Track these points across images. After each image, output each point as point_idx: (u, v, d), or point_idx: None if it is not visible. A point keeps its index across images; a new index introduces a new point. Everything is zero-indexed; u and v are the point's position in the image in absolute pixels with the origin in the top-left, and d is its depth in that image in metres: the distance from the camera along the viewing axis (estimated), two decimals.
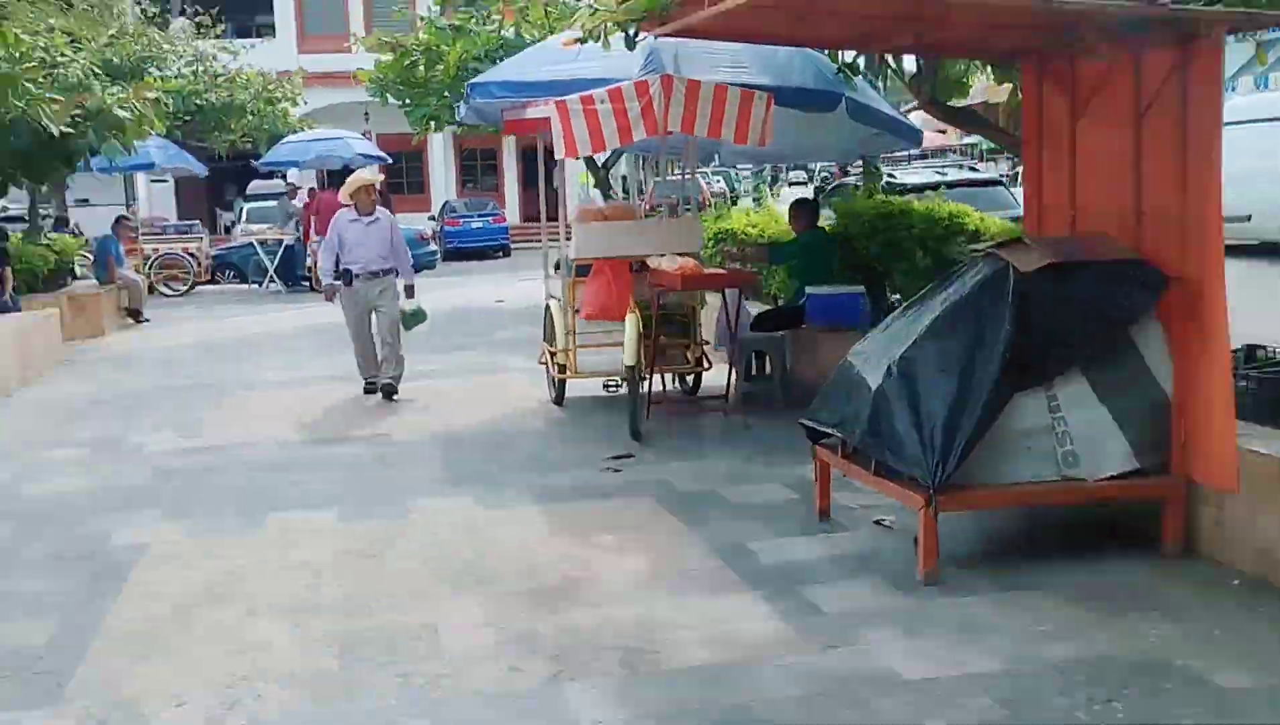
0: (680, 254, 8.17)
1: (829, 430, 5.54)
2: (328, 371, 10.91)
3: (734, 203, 37.16)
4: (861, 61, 8.06)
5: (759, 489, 6.46)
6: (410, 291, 9.81)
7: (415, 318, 9.80)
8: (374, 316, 9.67)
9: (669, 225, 8.77)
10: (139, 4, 26.28)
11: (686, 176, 9.80)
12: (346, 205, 9.82)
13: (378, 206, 9.73)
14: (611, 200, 11.11)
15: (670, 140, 8.38)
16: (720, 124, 7.69)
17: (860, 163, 12.62)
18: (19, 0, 18.70)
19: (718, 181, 34.45)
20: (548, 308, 9.34)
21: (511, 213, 34.29)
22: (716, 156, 12.16)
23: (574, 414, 8.83)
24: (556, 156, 7.99)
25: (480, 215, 30.31)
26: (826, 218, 10.43)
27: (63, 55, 17.05)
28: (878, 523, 5.66)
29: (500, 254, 29.50)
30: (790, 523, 5.79)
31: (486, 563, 5.34)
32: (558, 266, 9.34)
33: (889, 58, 7.93)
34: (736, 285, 8.40)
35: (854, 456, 5.36)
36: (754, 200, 13.28)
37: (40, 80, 14.63)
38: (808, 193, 39.93)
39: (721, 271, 8.55)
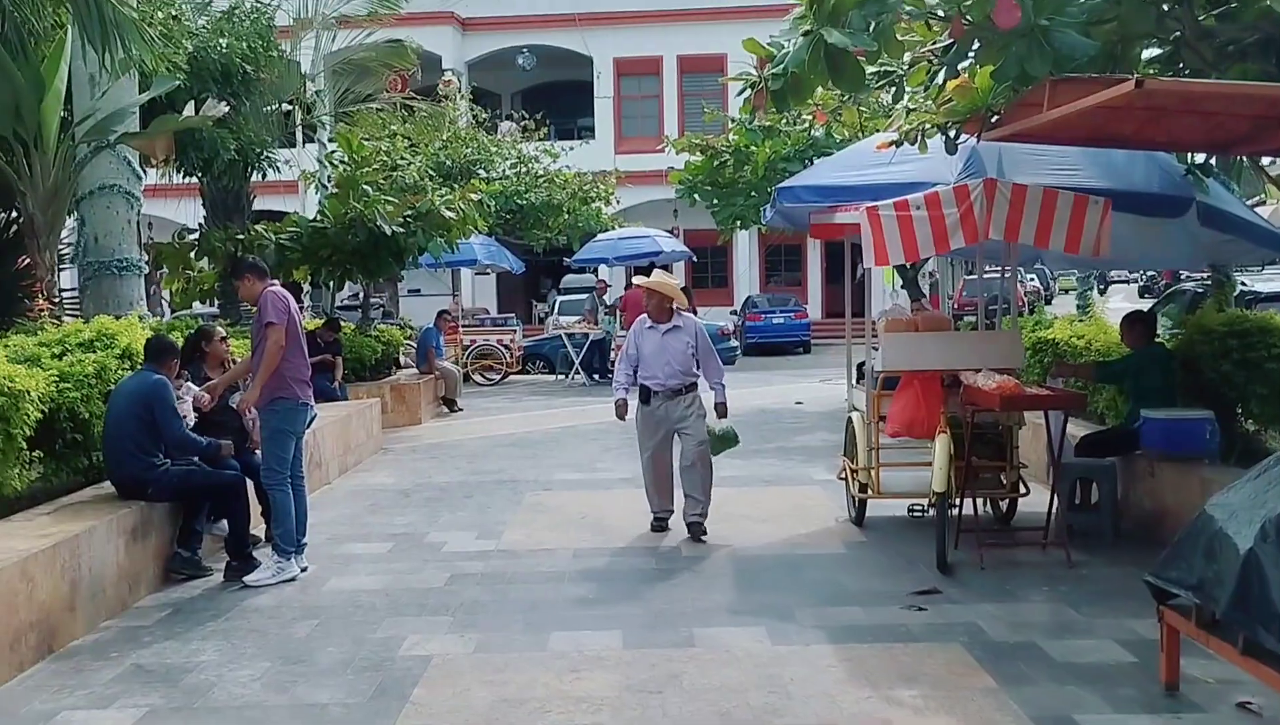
0: (998, 370, 7.53)
1: (1181, 592, 4.75)
2: (623, 473, 10.84)
3: (1048, 302, 35.46)
4: (1214, 160, 7.23)
5: (1088, 645, 5.67)
6: (722, 410, 8.38)
7: (725, 441, 8.42)
8: (675, 440, 8.40)
9: (986, 338, 8.14)
10: (472, 110, 28.19)
11: (1005, 277, 9.13)
12: (621, 335, 9.40)
13: (677, 311, 8.41)
14: (921, 304, 10.52)
15: (988, 243, 7.80)
16: (1050, 231, 7.05)
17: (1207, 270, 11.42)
18: (367, 109, 20.44)
19: (1031, 279, 32.78)
20: (850, 420, 8.84)
21: (814, 308, 34.04)
22: (1041, 259, 11.37)
23: (875, 537, 8.25)
24: (865, 265, 7.59)
25: (782, 310, 30.19)
26: (1162, 326, 9.45)
27: (402, 158, 18.40)
28: (1242, 706, 4.78)
29: (801, 350, 29.18)
30: (1128, 693, 5.00)
31: (776, 712, 4.89)
32: (860, 375, 8.86)
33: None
34: (1064, 408, 7.62)
35: (1214, 626, 4.55)
36: (1078, 306, 12.28)
37: (380, 182, 15.79)
38: (1132, 293, 37.50)
39: (1046, 392, 7.79)
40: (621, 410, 8.59)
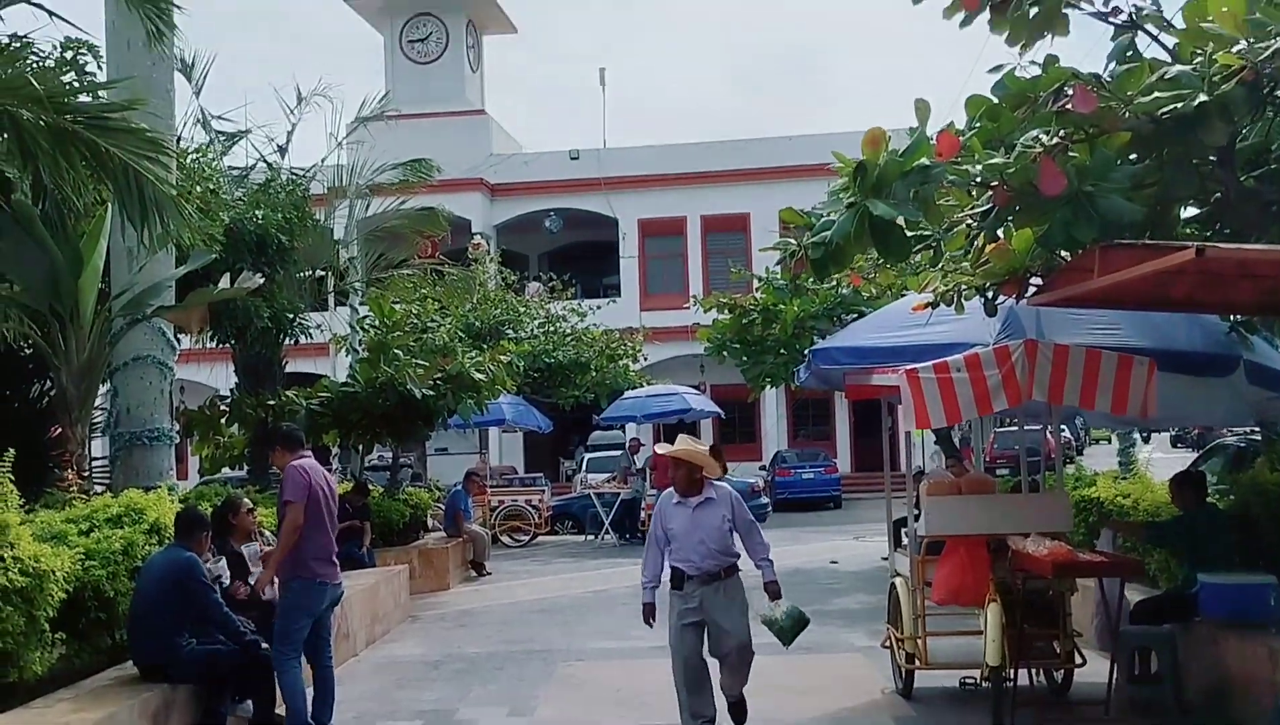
0: (1046, 533, 7.29)
1: None
2: (658, 640, 10.41)
3: (1079, 452, 34.99)
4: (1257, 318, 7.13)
5: None
6: (775, 590, 7.04)
7: (794, 626, 6.99)
8: (712, 635, 7.02)
9: (1032, 501, 7.94)
10: (501, 272, 28.64)
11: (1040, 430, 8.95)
12: (651, 495, 8.41)
13: (709, 481, 7.09)
14: (963, 466, 10.31)
15: (1029, 403, 7.65)
16: (1095, 393, 6.90)
17: (1257, 428, 11.20)
18: (399, 274, 20.73)
19: (1062, 430, 32.43)
20: (893, 586, 8.57)
21: (843, 461, 33.76)
22: (1080, 413, 11.19)
23: (926, 711, 7.87)
24: (905, 428, 7.45)
25: (812, 465, 29.94)
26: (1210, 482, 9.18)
27: (432, 321, 18.55)
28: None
29: (832, 505, 28.81)
30: None
31: None
32: (900, 537, 8.61)
33: None
34: (1120, 575, 7.34)
35: None
36: (1120, 462, 12.05)
37: (410, 345, 15.87)
38: (1163, 441, 37.00)
39: (1100, 558, 7.52)
40: (649, 614, 7.18)
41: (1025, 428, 10.21)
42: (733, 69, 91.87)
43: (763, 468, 31.23)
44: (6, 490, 6.59)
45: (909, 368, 7.26)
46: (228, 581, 7.80)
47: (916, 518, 8.18)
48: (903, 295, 11.14)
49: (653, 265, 37.43)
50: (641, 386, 25.53)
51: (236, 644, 7.19)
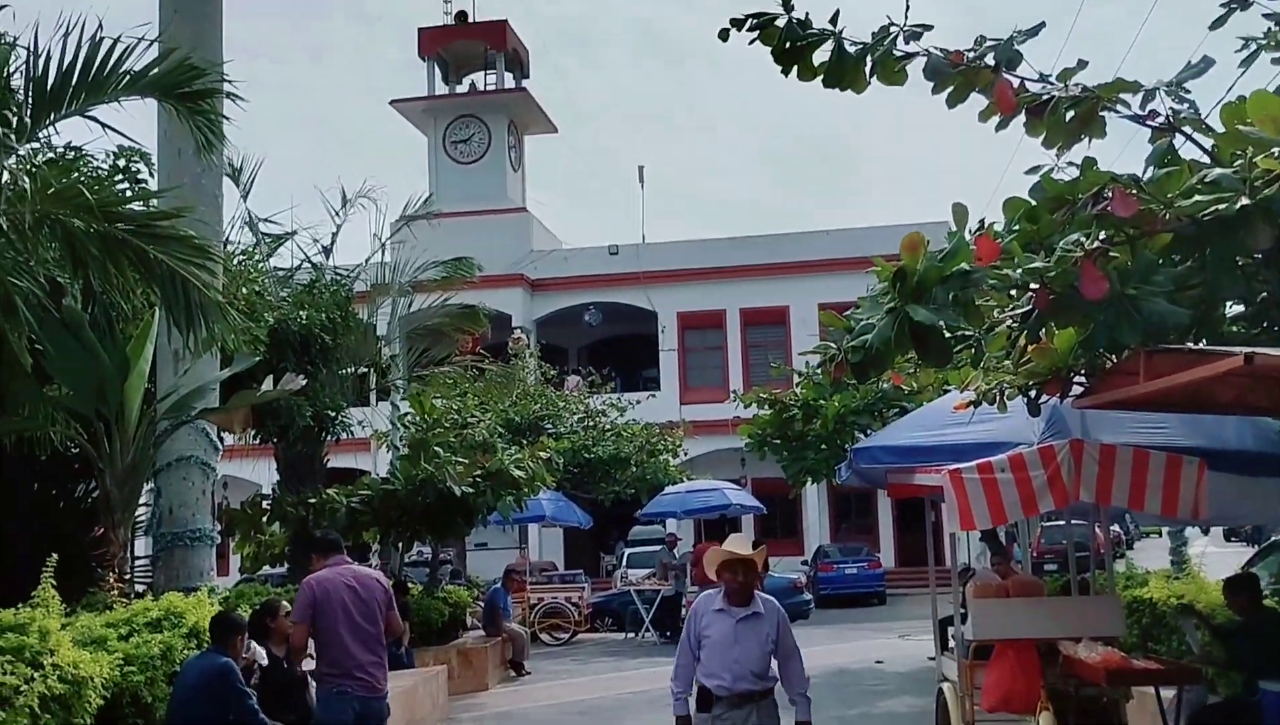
0: (1099, 638, 7.09)
1: None
2: None
3: (1130, 547, 34.24)
4: None
5: None
6: None
7: None
8: None
9: (1083, 604, 7.76)
10: (540, 367, 28.79)
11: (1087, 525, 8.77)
12: (692, 591, 7.28)
13: (757, 593, 6.31)
14: (1010, 567, 10.07)
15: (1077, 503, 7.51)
16: (1144, 494, 6.75)
17: None
18: (439, 370, 20.89)
19: (1112, 525, 31.76)
20: (941, 691, 8.35)
21: (886, 556, 33.26)
22: (1128, 516, 10.99)
23: None
24: (949, 530, 7.32)
25: (855, 560, 29.53)
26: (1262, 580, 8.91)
27: (472, 416, 18.63)
28: None
29: (875, 601, 28.31)
30: None
31: None
32: (947, 637, 8.41)
33: None
34: (1176, 682, 7.12)
35: None
36: (1172, 561, 11.76)
37: (450, 441, 15.92)
38: (1217, 535, 36.13)
39: (1156, 664, 7.29)
40: None
41: (1072, 523, 10.03)
42: (769, 162, 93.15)
43: (804, 563, 30.81)
44: (49, 596, 6.62)
45: (952, 468, 7.16)
46: (266, 661, 7.77)
47: (963, 618, 8.00)
48: (944, 391, 11.05)
49: (692, 358, 37.51)
50: (682, 481, 25.39)
51: None
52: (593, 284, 37.35)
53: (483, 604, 18.08)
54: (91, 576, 9.56)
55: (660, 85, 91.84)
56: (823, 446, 15.81)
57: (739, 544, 6.29)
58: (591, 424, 26.31)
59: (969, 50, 5.43)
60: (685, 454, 28.59)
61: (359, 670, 7.16)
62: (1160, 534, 25.64)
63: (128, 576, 9.45)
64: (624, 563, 26.83)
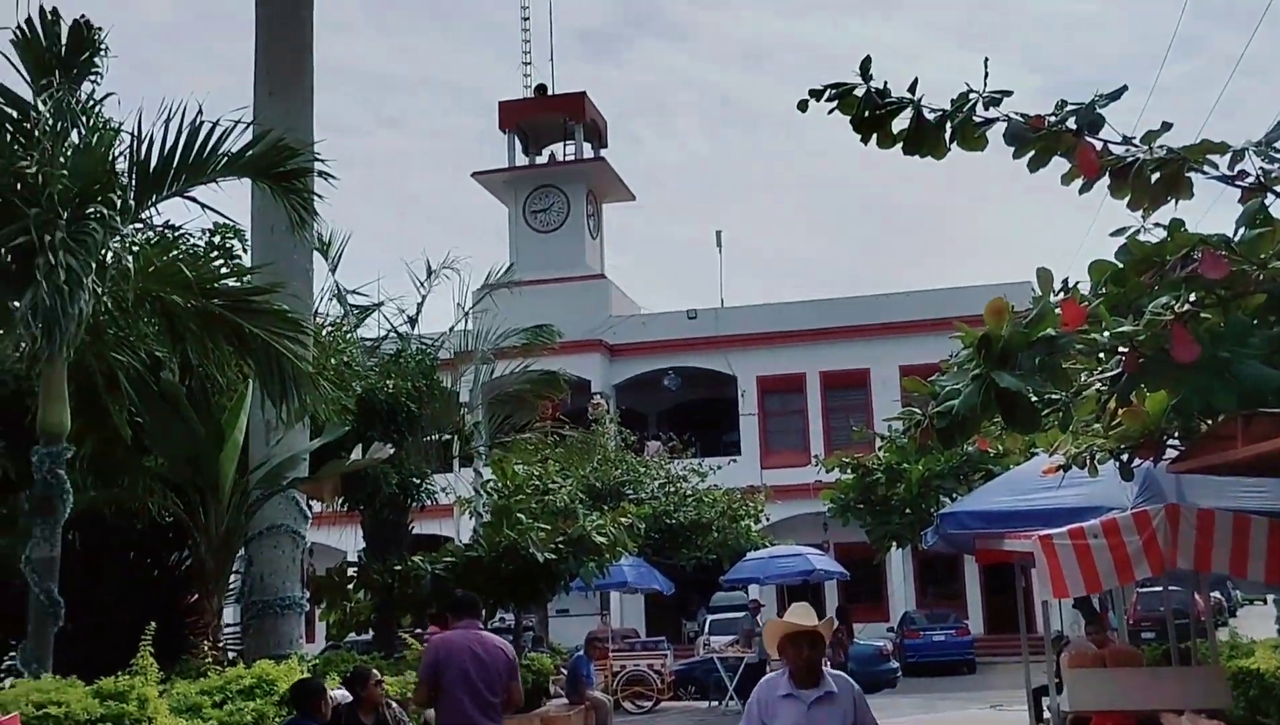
0: (1203, 711, 6.86)
1: None
2: None
3: (1233, 614, 33.01)
4: None
5: None
6: None
7: None
8: None
9: (1184, 675, 7.52)
10: (620, 432, 28.87)
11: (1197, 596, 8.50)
12: (775, 662, 6.42)
13: (826, 669, 5.58)
14: (1106, 635, 9.80)
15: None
16: (1246, 560, 6.55)
17: None
18: (521, 437, 21.07)
19: (1213, 592, 30.73)
20: None
21: (975, 622, 32.44)
22: (1230, 582, 10.65)
23: None
24: (1040, 598, 7.16)
25: (942, 627, 28.83)
26: None
27: (553, 482, 18.72)
28: None
29: (965, 669, 27.58)
30: None
31: None
32: (1041, 708, 8.19)
33: None
34: None
35: None
36: (1278, 630, 11.32)
37: (532, 507, 16.01)
38: None
39: None
40: None
41: (1170, 589, 9.74)
42: (846, 224, 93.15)
43: (890, 629, 30.20)
44: (147, 664, 6.78)
45: (1043, 534, 7.03)
46: (349, 698, 7.93)
47: (1058, 688, 7.80)
48: (1032, 454, 10.86)
49: (772, 422, 37.31)
50: (764, 546, 25.14)
51: None
52: (671, 348, 37.46)
53: (565, 671, 18.00)
54: (185, 644, 9.77)
55: (735, 150, 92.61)
56: (907, 510, 15.61)
57: (803, 614, 5.48)
58: (672, 489, 26.24)
59: (1049, 115, 5.42)
60: (767, 519, 28.34)
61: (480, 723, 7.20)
62: (1265, 602, 24.70)
63: (221, 644, 9.63)
64: (706, 629, 26.55)
